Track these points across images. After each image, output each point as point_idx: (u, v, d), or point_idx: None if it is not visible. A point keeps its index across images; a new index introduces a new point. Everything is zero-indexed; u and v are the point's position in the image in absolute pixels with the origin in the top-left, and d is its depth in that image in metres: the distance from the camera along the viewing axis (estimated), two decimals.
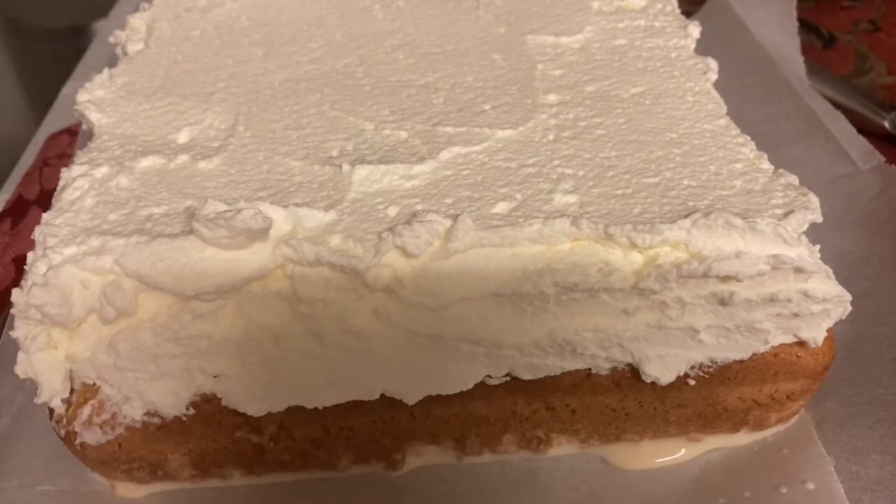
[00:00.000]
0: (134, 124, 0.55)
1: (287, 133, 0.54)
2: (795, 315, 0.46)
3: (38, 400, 0.45)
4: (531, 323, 0.45)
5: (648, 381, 0.48)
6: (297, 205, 0.46)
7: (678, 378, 0.48)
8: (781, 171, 0.49)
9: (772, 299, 0.45)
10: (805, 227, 0.45)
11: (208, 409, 0.47)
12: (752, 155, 0.51)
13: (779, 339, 0.47)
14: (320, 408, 0.47)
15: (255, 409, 0.47)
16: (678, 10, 0.68)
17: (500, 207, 0.46)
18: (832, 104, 0.75)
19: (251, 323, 0.44)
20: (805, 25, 0.89)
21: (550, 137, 0.53)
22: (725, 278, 0.44)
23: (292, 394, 0.47)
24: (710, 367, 0.48)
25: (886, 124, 0.76)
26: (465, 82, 0.59)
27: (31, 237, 0.46)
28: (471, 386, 0.47)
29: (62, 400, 0.46)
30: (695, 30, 0.64)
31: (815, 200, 0.46)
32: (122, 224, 0.46)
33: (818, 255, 0.45)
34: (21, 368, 0.44)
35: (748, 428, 0.53)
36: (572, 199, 0.47)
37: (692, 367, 0.48)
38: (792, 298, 0.45)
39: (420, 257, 0.43)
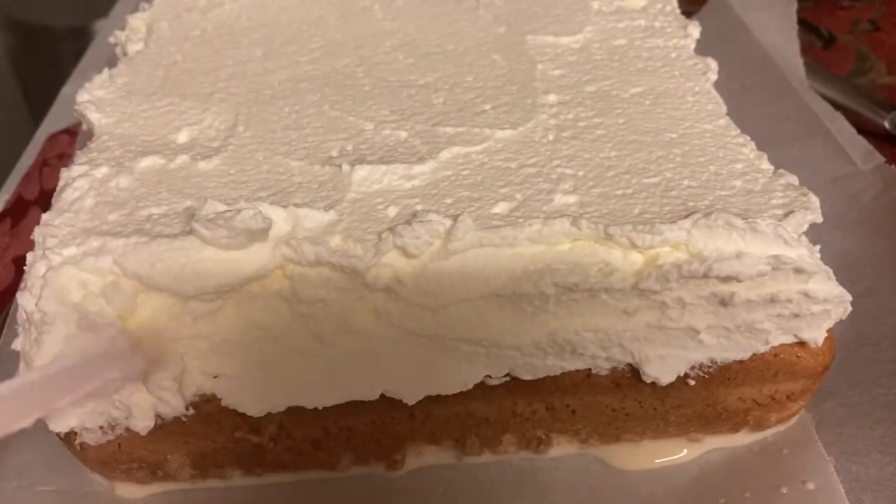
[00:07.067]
0: (134, 124, 0.55)
1: (287, 133, 0.54)
2: (796, 315, 0.46)
3: None
4: (531, 323, 0.45)
5: (648, 381, 0.47)
6: (296, 205, 0.46)
7: (678, 378, 0.48)
8: (781, 171, 0.49)
9: (772, 300, 0.45)
10: (805, 227, 0.45)
11: (208, 409, 0.47)
12: (752, 155, 0.51)
13: (779, 339, 0.47)
14: (320, 408, 0.47)
15: (254, 409, 0.46)
16: (678, 11, 0.68)
17: (500, 207, 0.46)
18: (832, 104, 0.75)
19: (251, 323, 0.44)
20: (805, 25, 0.89)
21: (550, 137, 0.53)
22: (726, 279, 0.43)
23: (292, 394, 0.47)
24: (710, 367, 0.48)
25: (886, 124, 0.76)
26: (464, 82, 0.59)
27: (31, 238, 0.46)
28: (471, 386, 0.47)
29: None
30: (695, 30, 0.64)
31: (815, 201, 0.46)
32: (121, 224, 0.46)
33: (818, 255, 0.45)
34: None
35: (748, 428, 0.53)
36: (572, 199, 0.47)
37: (692, 368, 0.48)
38: (792, 299, 0.45)
39: (420, 257, 0.43)
